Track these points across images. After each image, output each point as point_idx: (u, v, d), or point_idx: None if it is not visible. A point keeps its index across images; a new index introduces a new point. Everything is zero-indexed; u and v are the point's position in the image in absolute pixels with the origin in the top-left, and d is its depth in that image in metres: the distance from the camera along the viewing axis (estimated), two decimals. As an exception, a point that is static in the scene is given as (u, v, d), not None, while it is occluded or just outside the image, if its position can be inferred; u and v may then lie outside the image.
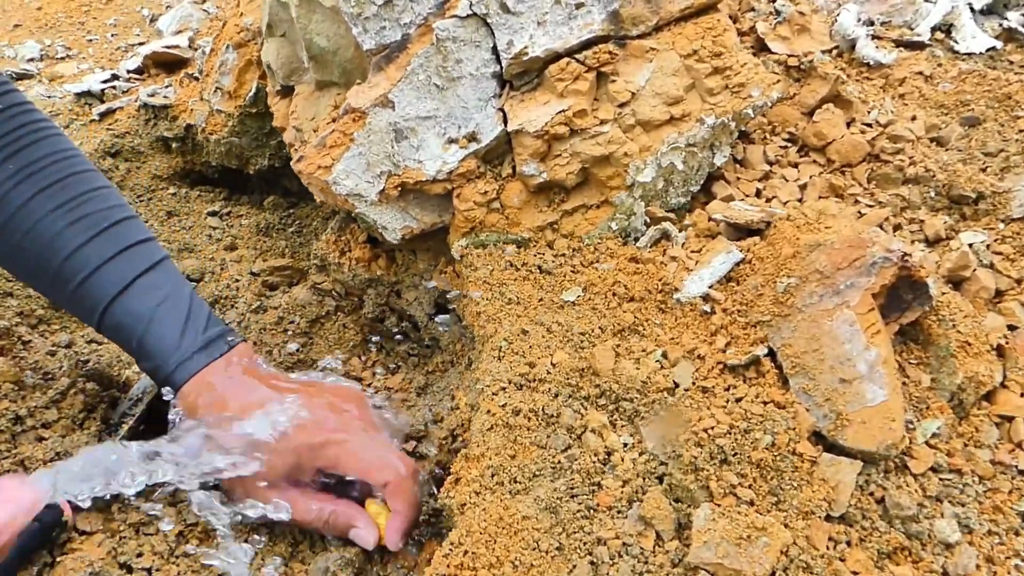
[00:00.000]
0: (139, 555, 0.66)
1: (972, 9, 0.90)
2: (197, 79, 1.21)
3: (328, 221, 1.15)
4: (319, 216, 1.16)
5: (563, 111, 0.71)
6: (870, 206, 0.69)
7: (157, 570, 0.66)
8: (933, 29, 0.88)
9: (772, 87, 0.71)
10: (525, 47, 0.71)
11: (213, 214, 1.14)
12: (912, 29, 0.88)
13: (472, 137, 0.74)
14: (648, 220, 0.73)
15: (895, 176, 0.71)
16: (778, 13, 0.83)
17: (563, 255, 0.73)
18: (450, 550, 0.56)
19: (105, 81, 1.27)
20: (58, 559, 0.64)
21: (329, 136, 0.75)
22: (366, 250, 0.85)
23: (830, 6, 0.87)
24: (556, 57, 0.72)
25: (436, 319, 0.85)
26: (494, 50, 0.73)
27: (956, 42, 0.86)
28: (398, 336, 0.89)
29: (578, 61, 0.72)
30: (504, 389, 0.64)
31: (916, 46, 0.85)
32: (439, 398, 0.80)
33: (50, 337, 0.98)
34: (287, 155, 1.13)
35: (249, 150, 1.12)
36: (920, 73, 0.80)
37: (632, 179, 0.71)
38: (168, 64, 1.30)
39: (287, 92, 0.95)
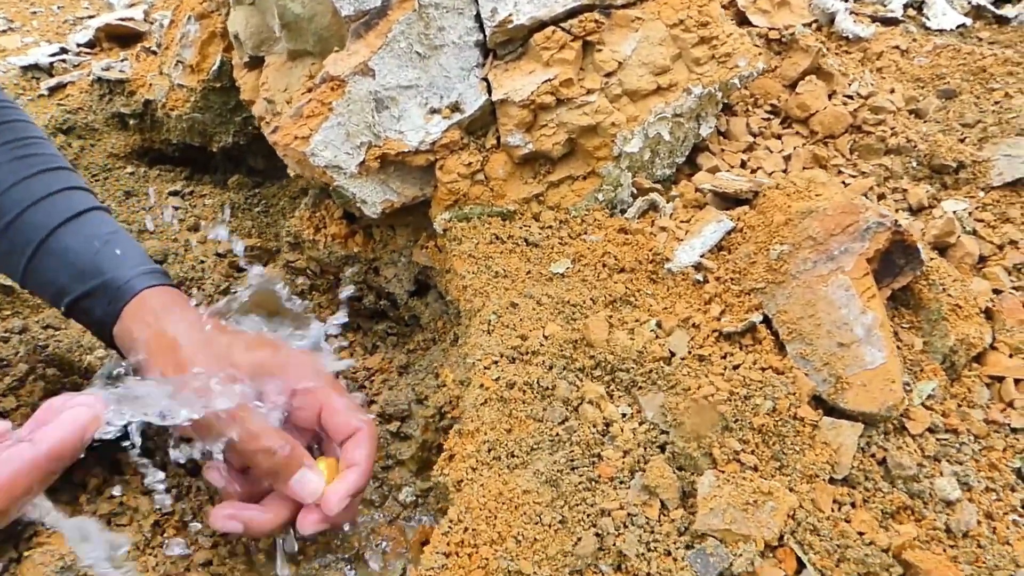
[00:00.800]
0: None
1: (941, -14, 0.91)
2: (155, 53, 1.16)
3: (296, 200, 1.12)
4: (286, 195, 1.12)
5: (549, 80, 0.69)
6: (853, 176, 0.70)
7: (131, 561, 0.63)
8: (905, 6, 0.89)
9: (757, 58, 0.70)
10: (510, 15, 0.70)
11: (175, 194, 1.10)
12: (885, 5, 0.89)
13: (455, 107, 0.72)
14: (635, 191, 0.72)
15: (877, 147, 0.71)
16: (757, -14, 0.83)
17: (550, 227, 0.71)
18: (449, 528, 0.54)
19: (53, 55, 1.20)
20: (25, 553, 0.61)
21: (306, 106, 0.72)
22: (342, 226, 0.82)
23: (806, -20, 0.88)
24: (541, 25, 0.71)
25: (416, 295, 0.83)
26: (477, 18, 0.71)
27: (928, 19, 0.88)
28: (375, 315, 0.87)
29: (564, 30, 0.70)
30: (496, 363, 0.62)
31: (890, 22, 0.86)
32: (421, 377, 0.78)
33: (0, 324, 0.93)
34: (253, 132, 1.09)
35: (212, 127, 1.08)
36: (896, 47, 0.80)
37: (619, 149, 0.70)
38: (122, 37, 1.25)
39: (256, 63, 0.92)
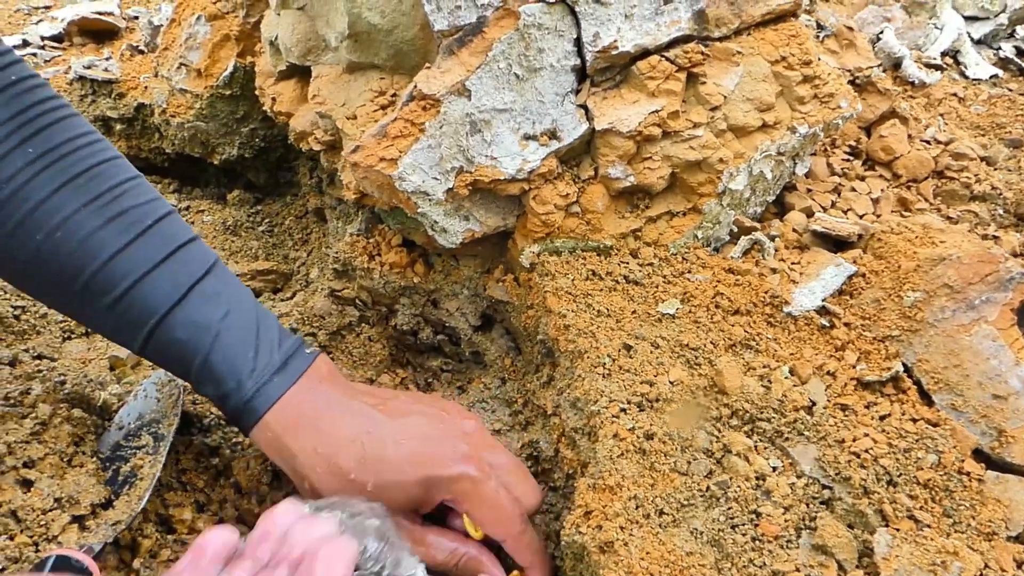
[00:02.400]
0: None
1: (971, 38, 0.95)
2: (143, 52, 1.05)
3: (302, 219, 1.04)
4: (291, 214, 1.04)
5: (656, 111, 0.66)
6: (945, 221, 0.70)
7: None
8: (942, 54, 0.92)
9: (856, 100, 0.70)
10: (614, 41, 0.67)
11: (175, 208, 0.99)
12: (923, 52, 0.92)
13: (552, 134, 0.68)
14: (735, 229, 0.70)
15: (962, 193, 0.73)
16: (820, 27, 0.83)
17: (650, 264, 0.68)
18: (612, 595, 0.50)
19: (16, 47, 1.07)
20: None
21: (392, 125, 0.66)
22: (402, 254, 0.76)
23: (861, 24, 0.89)
24: (644, 54, 0.68)
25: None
26: (576, 42, 0.68)
27: (965, 67, 0.91)
28: (428, 350, 0.81)
29: (668, 60, 0.68)
30: (625, 411, 0.59)
31: (935, 68, 0.89)
32: (498, 415, 0.73)
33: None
34: (260, 144, 1.01)
35: (216, 137, 0.99)
36: (955, 95, 0.83)
37: (724, 186, 0.68)
38: (96, 33, 1.12)
39: (293, 74, 0.84)
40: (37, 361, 0.80)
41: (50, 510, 0.58)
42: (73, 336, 0.86)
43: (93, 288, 0.56)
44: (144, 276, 0.56)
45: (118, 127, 1.02)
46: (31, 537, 0.56)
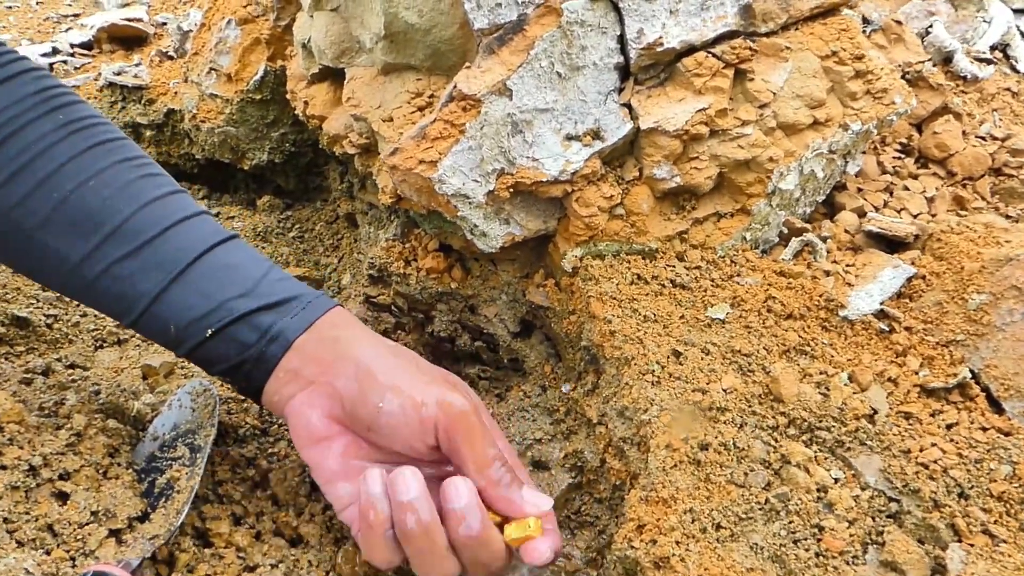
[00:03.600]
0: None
1: (1020, 31, 0.92)
2: (172, 58, 1.04)
3: (332, 225, 1.03)
4: (321, 220, 1.03)
5: (703, 109, 0.64)
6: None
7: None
8: (991, 48, 0.89)
9: (910, 96, 0.68)
10: (659, 38, 0.64)
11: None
12: (972, 47, 0.89)
13: (595, 134, 0.66)
14: (785, 231, 0.68)
15: (1021, 190, 0.70)
16: (866, 21, 0.81)
17: (697, 267, 0.66)
18: (672, 614, 0.47)
19: (45, 55, 1.07)
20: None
21: (432, 126, 0.64)
22: (439, 259, 0.75)
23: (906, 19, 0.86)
24: (690, 50, 0.66)
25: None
26: (619, 39, 0.66)
27: (1016, 60, 0.88)
28: (465, 358, 0.79)
29: (714, 56, 0.66)
30: (676, 419, 0.56)
31: (986, 62, 0.86)
32: (531, 427, 0.71)
33: (16, 361, 0.80)
34: (289, 149, 1.00)
35: (246, 142, 0.98)
36: (1008, 89, 0.80)
37: (774, 186, 0.66)
38: (125, 39, 1.12)
39: (325, 76, 0.83)
40: (70, 371, 0.79)
41: (87, 524, 0.56)
42: (105, 345, 0.85)
43: (127, 230, 0.57)
44: (184, 220, 0.59)
45: (148, 133, 1.02)
46: (68, 552, 0.55)
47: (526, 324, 0.76)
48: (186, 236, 0.59)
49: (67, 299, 0.86)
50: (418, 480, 0.53)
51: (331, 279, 0.94)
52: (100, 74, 1.00)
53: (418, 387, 0.56)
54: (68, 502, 0.58)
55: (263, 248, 0.98)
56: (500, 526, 0.55)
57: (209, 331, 0.57)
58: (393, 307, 0.77)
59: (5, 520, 0.54)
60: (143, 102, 1.00)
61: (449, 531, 0.53)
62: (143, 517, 0.59)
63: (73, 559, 0.54)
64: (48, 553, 0.54)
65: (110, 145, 0.60)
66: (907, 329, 0.59)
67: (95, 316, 0.87)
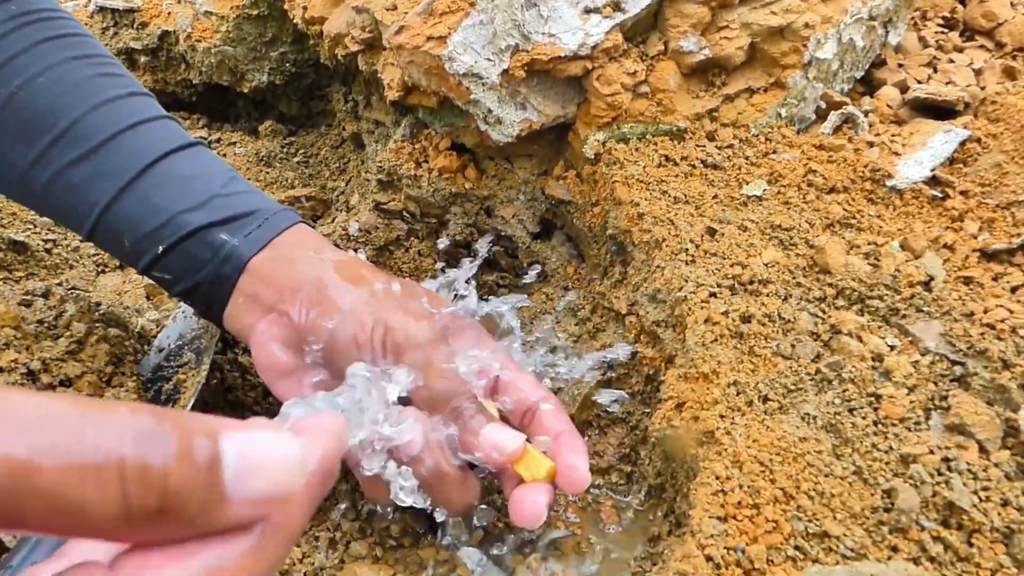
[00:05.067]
0: None
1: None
2: (165, -20, 1.00)
3: (338, 149, 0.99)
4: (326, 144, 0.99)
5: (732, -27, 0.59)
6: (1058, 88, 0.63)
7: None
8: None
9: (956, -47, 0.62)
10: None
11: (203, 141, 0.94)
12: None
13: (616, 5, 0.61)
14: (823, 105, 0.63)
15: (1077, 57, 0.65)
16: None
17: (730, 146, 0.62)
18: (720, 488, 0.44)
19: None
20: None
21: (440, 1, 0.60)
22: (451, 158, 0.70)
23: None
24: (715, -89, 0.61)
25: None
26: (639, -99, 0.61)
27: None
28: (484, 264, 0.75)
29: (742, -84, 0.61)
30: (715, 295, 0.52)
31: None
32: (556, 330, 0.67)
33: (15, 286, 0.76)
34: (290, 70, 0.96)
35: (245, 62, 0.93)
36: (1055, -40, 0.74)
37: (810, 56, 0.61)
38: (117, -34, 1.07)
39: (325, -24, 0.78)
40: (70, 293, 0.76)
41: (89, 424, 0.53)
42: (107, 270, 0.82)
43: (77, 132, 0.51)
44: (141, 123, 0.53)
45: (142, 59, 0.97)
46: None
47: (546, 224, 0.72)
48: (141, 140, 0.53)
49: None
50: (420, 427, 0.48)
51: (339, 201, 0.90)
52: (91, -1, 0.96)
53: (368, 314, 0.50)
54: (69, 405, 0.54)
55: (266, 173, 0.94)
56: None
57: (161, 247, 0.52)
58: (404, 213, 0.73)
59: (2, 420, 0.51)
60: (136, 26, 0.95)
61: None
62: (149, 422, 0.56)
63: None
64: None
65: (67, 40, 0.55)
66: (963, 194, 0.54)
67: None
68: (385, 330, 0.49)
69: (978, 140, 0.56)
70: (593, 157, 0.64)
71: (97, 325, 0.62)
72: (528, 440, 0.50)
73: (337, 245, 0.73)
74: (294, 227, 0.54)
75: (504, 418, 0.53)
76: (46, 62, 0.52)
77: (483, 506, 0.56)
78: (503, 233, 0.72)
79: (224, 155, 0.95)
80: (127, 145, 0.52)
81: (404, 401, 0.51)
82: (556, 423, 0.50)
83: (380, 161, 0.73)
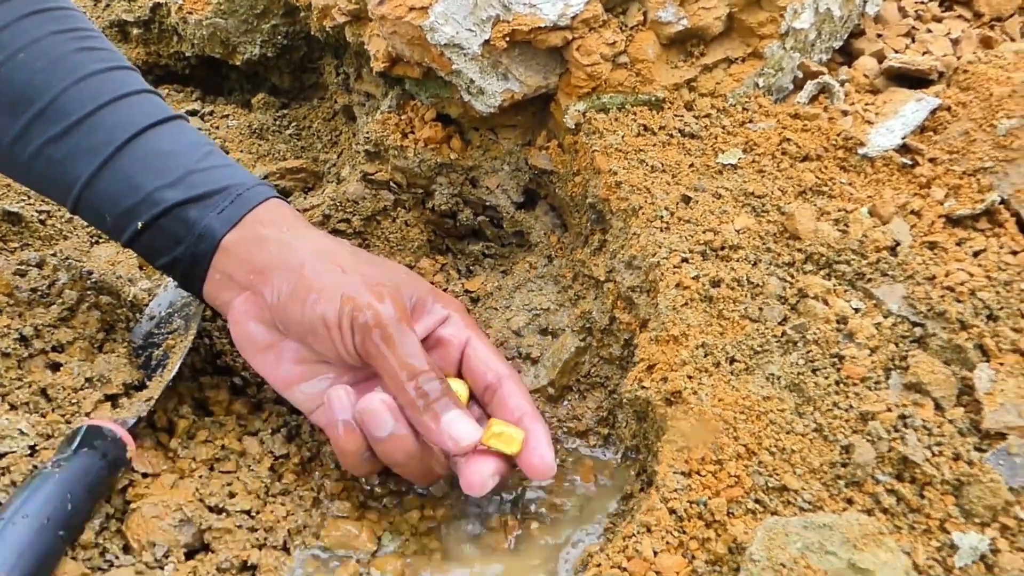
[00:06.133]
0: (231, 495, 0.52)
1: None
2: (155, -48, 1.00)
3: (331, 122, 1.00)
4: (319, 117, 1.00)
5: (709, -58, 0.60)
6: (1034, 57, 0.63)
7: (258, 512, 0.52)
8: None
9: (933, -78, 0.63)
10: None
11: (192, 114, 0.96)
12: None
13: (595, -23, 0.62)
14: (800, 75, 0.64)
15: (1053, 26, 0.65)
16: None
17: (707, 116, 0.63)
18: (685, 444, 0.45)
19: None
20: (131, 506, 0.49)
21: (421, -28, 0.60)
22: (437, 129, 0.71)
23: None
24: None
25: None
26: None
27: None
28: (468, 235, 0.76)
29: None
30: (687, 260, 0.54)
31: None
32: (539, 299, 0.68)
33: (10, 257, 0.78)
34: (282, 42, 0.97)
35: (236, 35, 0.94)
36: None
37: (787, 26, 0.62)
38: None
39: (312, -53, 0.79)
40: (65, 262, 0.77)
41: (81, 388, 0.55)
42: (101, 240, 0.83)
43: (57, 107, 0.52)
44: (122, 97, 0.54)
45: (134, 32, 0.98)
46: (63, 416, 0.53)
47: (530, 194, 0.73)
48: (121, 115, 0.54)
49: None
50: (390, 409, 0.49)
51: (330, 173, 0.92)
52: (82, -28, 0.97)
53: (337, 293, 0.51)
54: (62, 369, 0.56)
55: (259, 145, 0.95)
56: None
57: (139, 224, 0.53)
58: (391, 183, 0.74)
59: (-4, 383, 0.53)
60: (128, -2, 0.96)
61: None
62: (140, 386, 0.58)
63: (68, 422, 0.53)
64: (43, 416, 0.53)
65: (51, 14, 0.55)
66: (931, 161, 0.55)
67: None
68: (353, 310, 0.50)
69: (948, 108, 0.57)
70: (574, 127, 0.65)
71: (89, 293, 0.64)
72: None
73: (327, 216, 0.75)
74: (267, 203, 0.56)
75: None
76: (29, 36, 0.53)
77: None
78: (488, 203, 0.73)
79: (217, 128, 0.96)
80: (107, 120, 0.54)
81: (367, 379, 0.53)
82: (517, 403, 0.52)
83: (367, 132, 0.74)
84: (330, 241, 0.57)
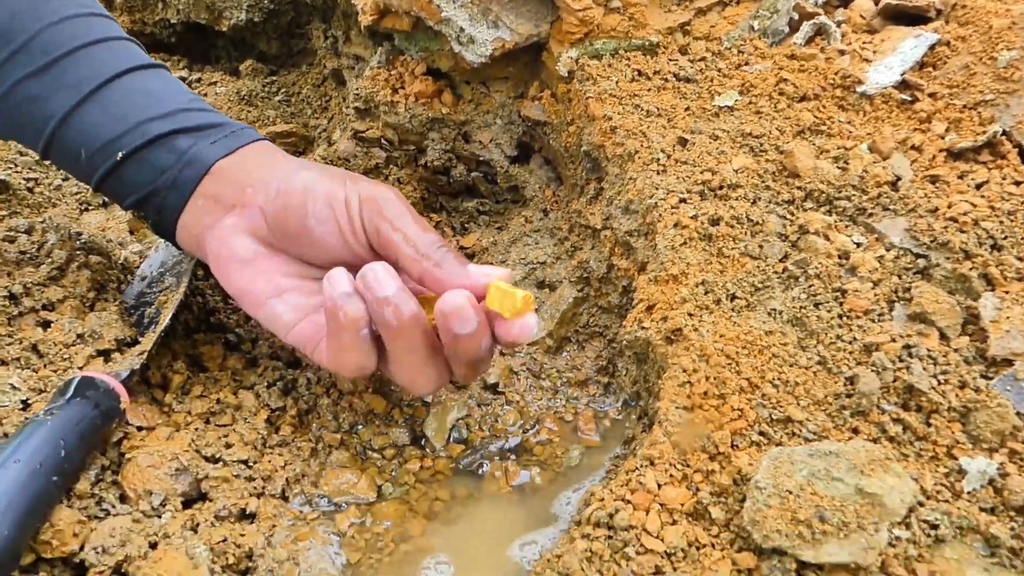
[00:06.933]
0: (228, 446, 0.51)
1: None
2: (138, -82, 0.98)
3: (320, 87, 0.98)
4: (308, 83, 0.99)
5: None
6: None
7: (255, 462, 0.51)
8: None
9: None
10: None
11: (181, 80, 0.94)
12: None
13: (586, -81, 0.61)
14: (795, 17, 0.63)
15: (1052, -37, 0.64)
16: None
17: (702, 59, 0.62)
18: (687, 379, 0.45)
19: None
20: (127, 456, 0.48)
21: (408, -83, 0.59)
22: (428, 83, 0.70)
23: None
24: None
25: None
26: None
27: None
28: (461, 192, 0.75)
29: None
30: (685, 200, 0.53)
31: None
32: (535, 252, 0.68)
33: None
34: (268, 7, 0.95)
35: (222, 0, 0.92)
36: None
37: (782, -35, 0.61)
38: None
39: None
40: (55, 231, 0.76)
41: (73, 344, 0.54)
42: (90, 208, 0.82)
43: (35, 47, 0.51)
44: (104, 41, 0.53)
45: (118, 0, 0.97)
46: (55, 371, 0.52)
47: (523, 148, 0.72)
48: (103, 56, 0.53)
49: (46, 163, 0.82)
50: (392, 274, 0.46)
51: (320, 138, 0.90)
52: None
53: (341, 186, 0.50)
54: (52, 326, 0.55)
55: (248, 112, 0.94)
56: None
57: (120, 154, 0.52)
58: (383, 140, 0.73)
59: (-13, 339, 0.52)
60: (111, -36, 0.95)
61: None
62: (132, 343, 0.57)
63: (60, 377, 0.52)
64: (35, 372, 0.52)
65: None
66: (931, 96, 0.54)
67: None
68: (360, 191, 0.49)
69: (947, 43, 0.56)
70: (567, 75, 0.64)
71: (78, 253, 0.63)
72: None
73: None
74: (260, 141, 0.55)
75: None
76: None
77: (459, 417, 0.57)
78: (481, 158, 0.72)
79: (205, 95, 0.94)
80: (88, 60, 0.52)
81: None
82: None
83: (357, 89, 0.73)
84: (319, 163, 0.56)
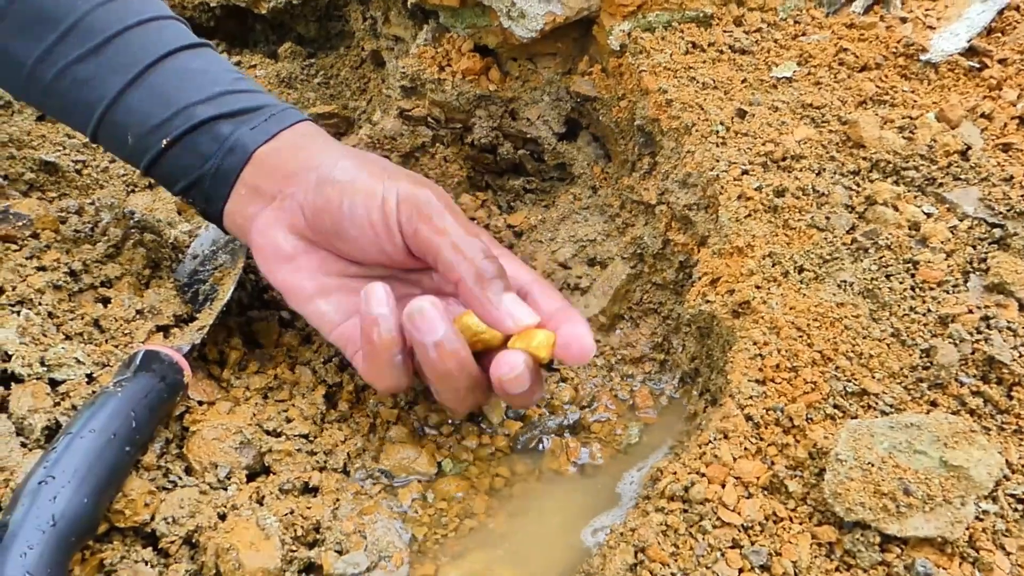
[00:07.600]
0: (288, 420, 0.51)
1: None
2: (177, -99, 0.98)
3: (359, 70, 0.98)
4: (346, 65, 0.98)
5: None
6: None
7: (316, 437, 0.51)
8: None
9: None
10: None
11: (221, 63, 0.94)
12: None
13: None
14: (854, -15, 0.62)
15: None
16: None
17: (758, 30, 0.61)
18: (758, 352, 0.44)
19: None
20: (190, 430, 0.48)
21: None
22: (475, 60, 0.70)
23: None
24: None
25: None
26: None
27: None
28: (508, 170, 0.75)
29: None
30: (747, 172, 0.52)
31: None
32: (585, 229, 0.67)
33: (49, 206, 0.77)
34: (308, -12, 0.94)
35: (262, -18, 0.92)
36: None
37: (841, -68, 0.59)
38: None
39: None
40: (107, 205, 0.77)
41: (133, 319, 0.54)
42: (137, 189, 0.82)
43: (83, 28, 0.51)
44: (149, 21, 0.53)
45: (159, -18, 0.97)
46: (116, 345, 0.53)
47: (571, 124, 0.71)
48: (149, 37, 0.53)
49: (94, 145, 0.83)
50: (440, 314, 0.45)
51: (360, 120, 0.90)
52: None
53: (379, 184, 0.49)
54: (112, 302, 0.56)
55: (288, 94, 0.93)
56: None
57: (164, 141, 0.52)
58: (429, 118, 0.73)
59: (50, 315, 0.52)
60: (151, -53, 0.94)
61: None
62: (189, 319, 0.57)
63: (123, 352, 0.52)
64: (98, 346, 0.52)
65: None
66: (1001, 62, 0.53)
67: (123, 162, 0.84)
68: (399, 192, 0.48)
69: (1017, 8, 0.55)
70: (619, 48, 0.63)
71: (132, 231, 0.63)
72: None
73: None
74: (300, 123, 0.54)
75: None
76: None
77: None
78: (528, 136, 0.72)
79: (245, 77, 0.94)
80: (135, 41, 0.52)
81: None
82: (550, 302, 0.50)
83: (403, 67, 0.72)
84: (360, 151, 0.55)
